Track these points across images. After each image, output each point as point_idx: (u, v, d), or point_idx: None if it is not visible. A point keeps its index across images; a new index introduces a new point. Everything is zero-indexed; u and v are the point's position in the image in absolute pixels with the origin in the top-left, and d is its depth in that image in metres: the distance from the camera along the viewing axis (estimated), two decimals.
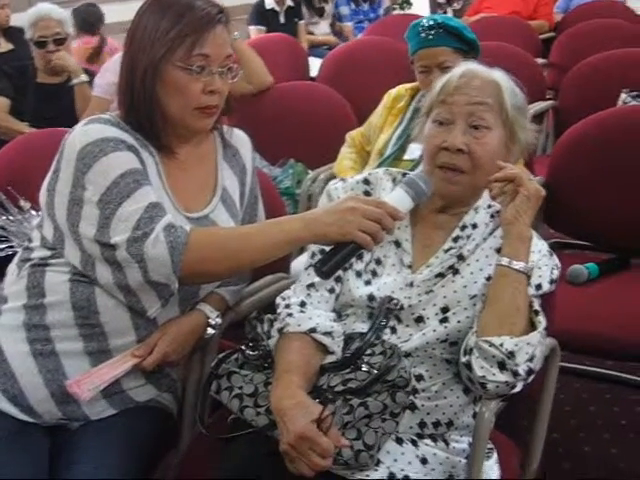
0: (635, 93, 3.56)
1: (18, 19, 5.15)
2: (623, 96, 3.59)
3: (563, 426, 2.63)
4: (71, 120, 3.65)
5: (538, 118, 3.87)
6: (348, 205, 1.50)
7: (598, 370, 2.92)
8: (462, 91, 1.65)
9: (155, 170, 1.70)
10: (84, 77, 3.77)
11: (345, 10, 6.82)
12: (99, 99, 3.66)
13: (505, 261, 1.53)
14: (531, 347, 1.50)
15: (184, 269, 1.55)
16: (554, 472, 2.41)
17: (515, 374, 1.49)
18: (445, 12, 7.27)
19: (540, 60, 4.87)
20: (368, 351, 1.55)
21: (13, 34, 5.13)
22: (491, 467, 1.62)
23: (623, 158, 2.62)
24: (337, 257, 1.49)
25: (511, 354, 1.48)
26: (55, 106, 3.74)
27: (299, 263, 2.10)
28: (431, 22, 2.62)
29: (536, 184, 1.62)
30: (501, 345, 1.48)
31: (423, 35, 2.61)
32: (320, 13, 6.49)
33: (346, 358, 1.57)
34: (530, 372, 1.52)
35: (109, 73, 3.75)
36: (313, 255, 1.72)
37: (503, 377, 1.50)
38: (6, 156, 2.28)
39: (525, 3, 6.14)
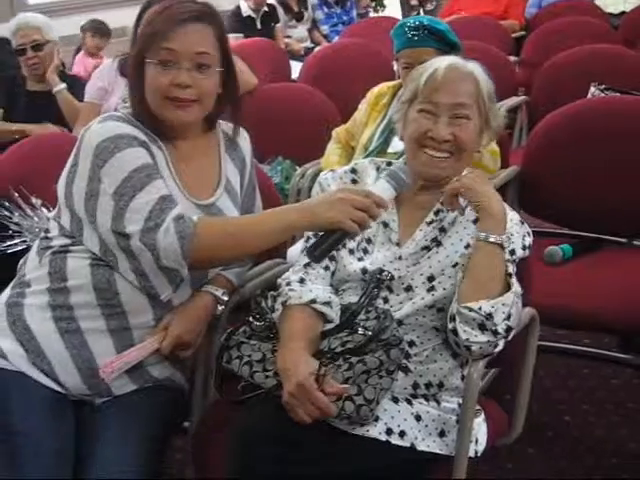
0: (604, 86, 3.69)
1: (2, 29, 5.28)
2: (592, 89, 3.71)
3: (545, 399, 2.80)
4: (62, 125, 3.80)
5: (512, 113, 4.03)
6: (338, 196, 1.66)
7: (576, 348, 3.09)
8: (446, 89, 1.80)
9: (165, 162, 1.83)
10: (61, 85, 3.87)
11: (320, 15, 6.96)
12: (90, 104, 3.75)
13: (482, 236, 1.68)
14: (507, 307, 1.65)
15: (192, 256, 1.69)
16: (539, 439, 2.57)
17: (495, 333, 1.65)
18: (418, 14, 7.43)
19: (512, 58, 5.04)
20: (363, 316, 1.70)
21: None
22: (479, 424, 1.78)
23: (592, 146, 2.79)
24: (328, 242, 1.65)
25: (489, 315, 1.64)
26: (46, 112, 3.82)
27: (295, 250, 2.25)
28: (417, 23, 2.75)
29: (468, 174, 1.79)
30: (479, 309, 1.64)
31: (409, 35, 2.74)
32: (299, 18, 6.62)
33: (343, 322, 1.72)
34: (509, 329, 1.67)
35: (97, 79, 3.87)
36: (308, 240, 1.87)
37: (485, 337, 1.65)
38: (17, 157, 2.40)
39: (496, 4, 6.32)
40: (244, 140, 2.04)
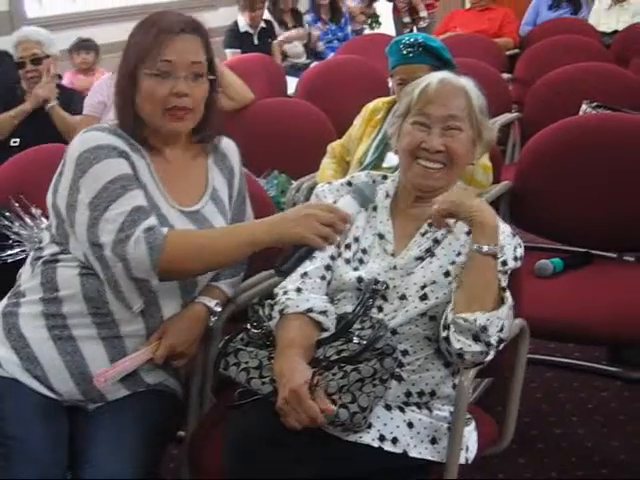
0: (595, 104, 3.75)
1: (1, 43, 5.33)
2: (584, 107, 3.77)
3: (535, 411, 2.84)
4: (58, 139, 3.85)
5: (505, 129, 4.10)
6: (304, 212, 1.72)
7: (566, 361, 3.14)
8: (439, 102, 1.87)
9: (147, 171, 1.86)
10: (52, 102, 3.94)
11: (315, 31, 7.04)
12: (88, 118, 3.82)
13: (475, 247, 1.73)
14: (501, 320, 1.70)
15: (162, 267, 1.73)
16: (529, 450, 2.61)
17: (488, 344, 1.70)
18: (411, 31, 7.50)
19: (506, 75, 5.10)
20: (358, 326, 1.74)
21: None
22: (470, 432, 1.82)
23: (583, 162, 2.83)
24: (295, 257, 1.70)
25: (484, 328, 1.68)
26: (43, 126, 3.88)
27: None
28: (412, 40, 2.81)
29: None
30: (475, 320, 1.68)
31: (404, 52, 2.80)
32: None
33: (338, 331, 1.76)
34: (501, 341, 1.72)
35: (96, 93, 3.94)
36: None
37: (478, 347, 1.69)
38: (17, 167, 2.44)
39: (491, 22, 6.42)
40: (232, 150, 2.07)
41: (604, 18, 6.69)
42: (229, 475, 1.64)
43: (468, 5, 6.90)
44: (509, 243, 1.84)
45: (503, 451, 2.42)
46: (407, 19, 7.73)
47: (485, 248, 1.72)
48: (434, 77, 1.91)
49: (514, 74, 5.17)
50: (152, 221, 1.76)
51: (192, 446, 1.90)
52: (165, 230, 1.75)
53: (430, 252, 1.84)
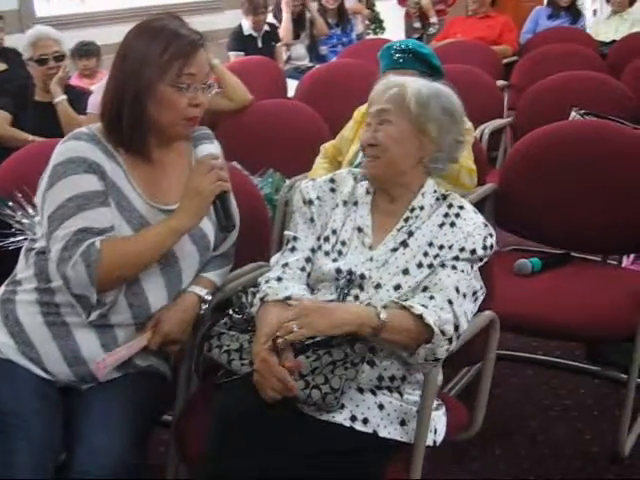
0: (584, 111, 3.84)
1: (10, 40, 5.47)
2: (573, 114, 3.84)
3: (514, 405, 2.96)
4: (57, 133, 3.94)
5: (497, 135, 4.21)
6: (194, 184, 1.93)
7: (547, 358, 3.25)
8: (375, 99, 2.02)
9: (123, 176, 1.96)
10: (62, 97, 4.01)
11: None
12: (93, 116, 3.93)
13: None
14: (445, 338, 1.80)
15: (102, 279, 1.86)
16: (506, 442, 2.73)
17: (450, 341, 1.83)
18: (421, 36, 7.63)
19: (502, 82, 5.20)
20: None
21: (6, 54, 5.41)
22: (439, 417, 1.93)
23: (566, 166, 2.94)
24: (220, 210, 1.95)
25: (433, 351, 1.80)
26: (52, 121, 3.99)
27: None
28: (402, 46, 2.93)
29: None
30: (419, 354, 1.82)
31: (395, 57, 2.92)
32: (296, 36, 6.81)
33: None
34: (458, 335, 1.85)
35: (101, 92, 4.04)
36: (287, 241, 2.04)
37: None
38: (22, 161, 2.57)
39: (490, 29, 6.51)
40: (214, 145, 2.12)
41: (603, 28, 6.81)
42: (211, 450, 1.76)
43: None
44: (479, 233, 1.95)
45: (480, 442, 2.56)
46: (418, 24, 7.86)
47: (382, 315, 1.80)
48: (382, 80, 2.04)
49: (510, 81, 5.27)
50: (95, 241, 1.86)
51: (177, 427, 2.02)
52: (98, 245, 1.86)
53: (404, 243, 1.95)
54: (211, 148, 2.03)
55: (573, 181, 2.94)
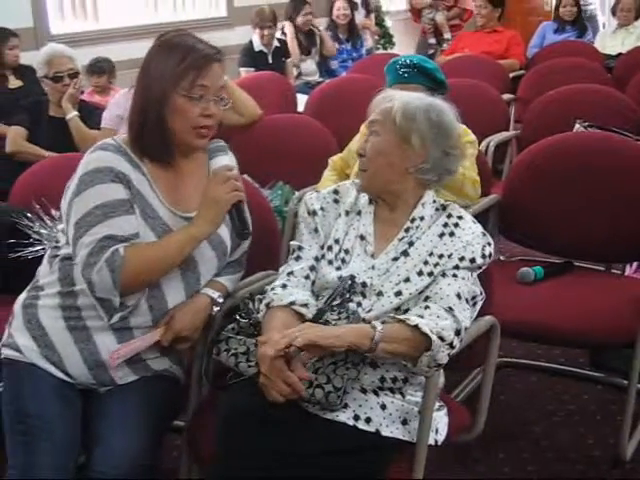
0: (587, 123, 3.91)
1: (25, 57, 5.57)
2: (577, 126, 3.93)
3: (519, 411, 3.02)
4: (70, 149, 4.04)
5: (503, 147, 4.29)
6: (211, 194, 2.04)
7: (551, 365, 3.32)
8: (371, 112, 2.10)
9: (148, 186, 2.06)
10: (73, 113, 4.12)
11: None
12: (106, 130, 4.03)
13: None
14: (444, 344, 1.85)
15: (125, 284, 1.96)
16: (510, 446, 2.79)
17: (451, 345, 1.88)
18: (435, 52, 7.74)
19: (509, 95, 5.28)
20: (335, 317, 1.93)
21: (22, 71, 5.52)
22: (441, 417, 2.00)
23: (569, 177, 3.01)
24: (236, 219, 2.06)
25: (434, 356, 1.85)
26: (66, 136, 4.09)
27: None
28: (407, 61, 3.01)
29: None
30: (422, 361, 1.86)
31: (400, 72, 3.00)
32: (307, 52, 6.91)
33: (312, 318, 1.95)
34: (460, 339, 1.91)
35: (115, 107, 4.15)
36: (293, 251, 2.12)
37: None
38: (39, 174, 2.69)
39: (498, 44, 6.58)
40: (229, 157, 2.21)
41: (610, 41, 6.86)
42: (221, 448, 1.84)
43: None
44: (478, 242, 2.02)
45: (485, 446, 2.62)
46: (432, 40, 7.97)
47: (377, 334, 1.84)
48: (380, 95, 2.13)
49: (517, 94, 5.34)
50: (120, 247, 1.95)
51: (190, 429, 2.11)
52: (122, 251, 1.95)
53: (405, 253, 2.02)
54: (226, 160, 2.12)
55: (577, 191, 3.00)
